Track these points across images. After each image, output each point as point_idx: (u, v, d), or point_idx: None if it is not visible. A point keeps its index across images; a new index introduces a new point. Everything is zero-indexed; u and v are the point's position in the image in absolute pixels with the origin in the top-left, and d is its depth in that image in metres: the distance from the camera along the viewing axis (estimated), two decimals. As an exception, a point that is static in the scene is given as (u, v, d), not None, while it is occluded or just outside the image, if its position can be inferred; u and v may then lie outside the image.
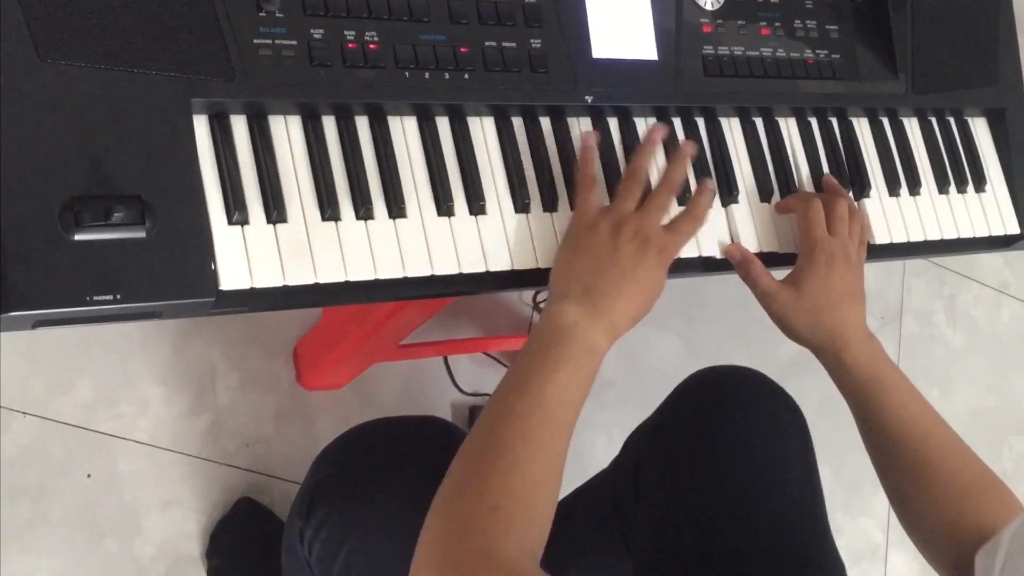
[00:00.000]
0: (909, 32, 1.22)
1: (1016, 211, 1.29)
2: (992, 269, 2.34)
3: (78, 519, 1.40)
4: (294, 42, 0.90)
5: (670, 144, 1.08)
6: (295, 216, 0.89)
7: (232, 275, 0.85)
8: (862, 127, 1.21)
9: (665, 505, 1.11)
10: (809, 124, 1.18)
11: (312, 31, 0.91)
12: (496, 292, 1.68)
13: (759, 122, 1.15)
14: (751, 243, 1.10)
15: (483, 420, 0.88)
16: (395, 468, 1.01)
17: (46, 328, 0.79)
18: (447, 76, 0.96)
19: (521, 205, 0.99)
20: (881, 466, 1.07)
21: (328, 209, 0.90)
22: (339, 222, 0.91)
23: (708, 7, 1.12)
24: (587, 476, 1.33)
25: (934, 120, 1.27)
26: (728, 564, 1.05)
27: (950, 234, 1.24)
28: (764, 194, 1.12)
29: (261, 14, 0.89)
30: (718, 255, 1.08)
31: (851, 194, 1.18)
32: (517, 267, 0.98)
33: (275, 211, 0.88)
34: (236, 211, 0.86)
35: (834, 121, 1.20)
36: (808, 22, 1.17)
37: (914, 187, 1.22)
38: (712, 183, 1.08)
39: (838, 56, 1.18)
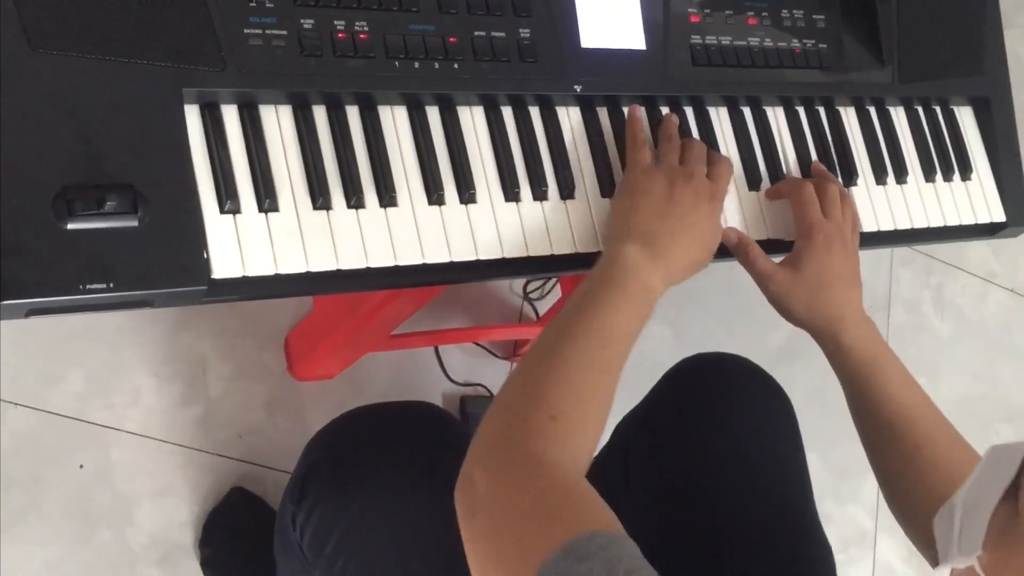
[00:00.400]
0: (895, 21, 1.23)
1: (1001, 199, 1.30)
2: (979, 258, 2.35)
3: (71, 509, 1.40)
4: (284, 32, 0.90)
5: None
6: (286, 205, 0.90)
7: (224, 264, 0.85)
8: (849, 116, 1.22)
9: (654, 491, 1.12)
10: (796, 113, 1.18)
11: (302, 21, 0.91)
12: (486, 280, 1.69)
13: (747, 111, 1.16)
14: (739, 230, 1.11)
15: (544, 338, 0.90)
16: (387, 452, 1.01)
17: (39, 317, 0.79)
18: (437, 66, 0.97)
19: (511, 194, 1.00)
20: (871, 448, 1.07)
21: (319, 198, 0.91)
22: (330, 211, 0.91)
23: (696, -3, 1.13)
24: (577, 464, 1.34)
25: (920, 109, 1.28)
26: (717, 549, 1.06)
27: (937, 222, 1.25)
28: (752, 183, 1.13)
29: (251, 4, 0.89)
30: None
31: (839, 182, 1.18)
32: (507, 255, 0.98)
33: (267, 200, 0.88)
34: (228, 200, 0.87)
35: (821, 110, 1.21)
36: (795, 12, 1.18)
37: (901, 175, 1.23)
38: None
39: (825, 46, 1.19)
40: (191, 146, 0.86)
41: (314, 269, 0.89)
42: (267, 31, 0.90)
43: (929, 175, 1.25)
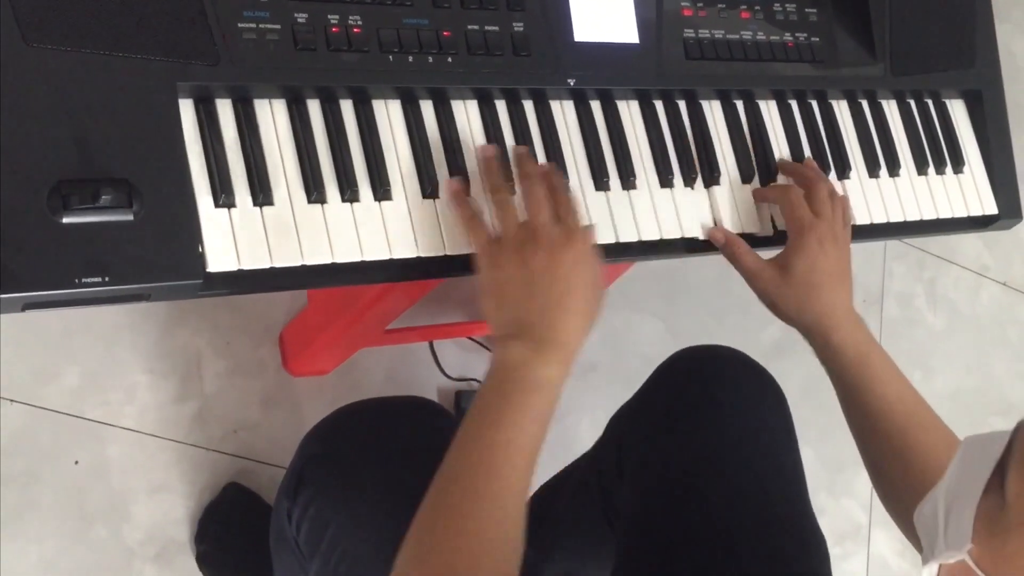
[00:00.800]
0: (887, 15, 1.24)
1: (993, 192, 1.30)
2: (972, 252, 2.36)
3: (67, 505, 1.40)
4: (278, 26, 0.90)
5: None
6: (281, 199, 0.90)
7: (219, 257, 0.85)
8: (841, 109, 1.23)
9: (648, 483, 1.12)
10: (789, 107, 1.19)
11: (296, 15, 0.91)
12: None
13: (740, 105, 1.16)
14: (733, 224, 1.11)
15: (436, 478, 0.86)
16: (382, 447, 1.02)
17: (35, 311, 0.79)
18: (430, 60, 0.97)
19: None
20: (863, 444, 1.08)
21: (314, 192, 0.91)
22: (325, 205, 0.92)
23: (689, -9, 1.13)
24: (571, 459, 1.34)
25: (912, 102, 1.28)
26: (711, 541, 1.06)
27: (929, 215, 1.25)
28: (745, 176, 1.14)
29: (245, -2, 0.89)
30: (700, 236, 1.09)
31: (832, 175, 1.19)
32: (502, 249, 0.98)
33: (261, 194, 0.89)
34: (223, 194, 0.87)
35: (814, 103, 1.21)
36: (787, 5, 1.18)
37: (893, 168, 1.24)
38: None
39: (817, 39, 1.19)
40: (185, 140, 0.86)
41: (309, 263, 0.90)
42: (261, 25, 0.90)
43: (921, 168, 1.26)
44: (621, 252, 1.06)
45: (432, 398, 1.67)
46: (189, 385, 1.51)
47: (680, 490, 1.09)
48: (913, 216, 1.24)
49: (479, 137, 1.00)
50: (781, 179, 1.15)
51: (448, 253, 0.96)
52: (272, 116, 0.92)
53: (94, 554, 1.40)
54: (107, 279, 0.79)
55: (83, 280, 0.78)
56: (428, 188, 0.96)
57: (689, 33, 1.12)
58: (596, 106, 1.08)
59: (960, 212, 1.27)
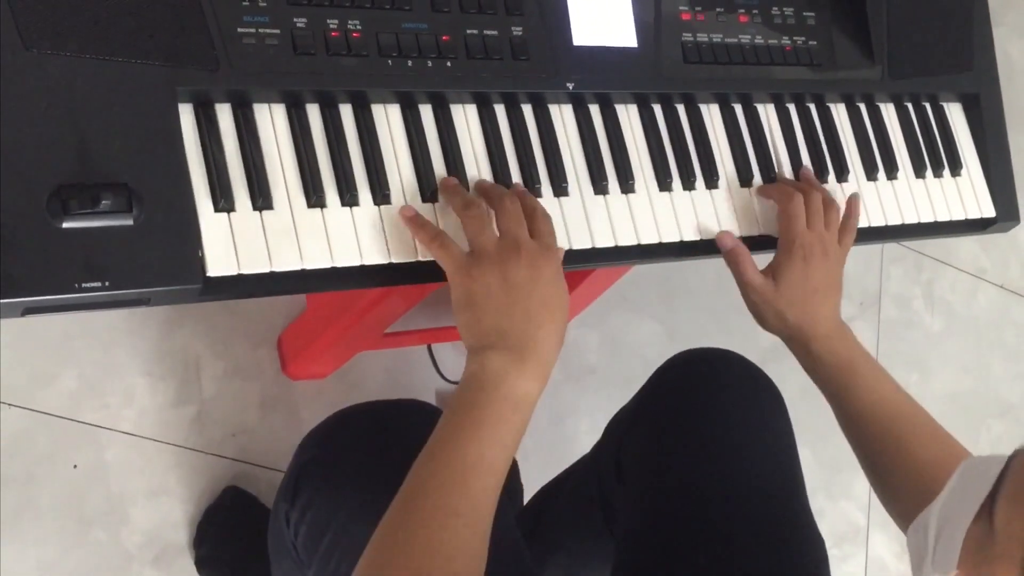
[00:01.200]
0: (885, 18, 1.24)
1: (991, 194, 1.30)
2: (969, 255, 2.36)
3: (65, 509, 1.40)
4: (277, 31, 0.91)
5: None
6: (281, 203, 0.90)
7: (219, 261, 0.86)
8: (839, 113, 1.23)
9: (647, 486, 1.12)
10: (787, 110, 1.19)
11: (295, 20, 0.92)
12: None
13: (738, 108, 1.16)
14: (731, 227, 1.11)
15: (402, 490, 0.86)
16: (380, 451, 1.02)
17: (35, 315, 0.79)
18: (430, 64, 0.97)
19: (504, 191, 1.00)
20: (858, 447, 1.10)
21: (313, 196, 0.91)
22: (324, 209, 0.92)
23: (687, -5, 1.13)
24: (570, 462, 1.34)
25: (910, 105, 1.29)
26: (710, 544, 1.07)
27: (927, 217, 1.25)
28: (744, 180, 1.14)
29: (244, 3, 0.89)
30: (698, 238, 1.09)
31: (831, 178, 1.19)
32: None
33: (261, 198, 0.89)
34: (222, 198, 0.87)
35: (812, 107, 1.21)
36: (785, 9, 1.18)
37: (891, 171, 1.24)
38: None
39: (815, 43, 1.20)
40: (185, 145, 0.86)
41: (308, 267, 0.90)
42: (260, 30, 0.90)
43: (919, 171, 1.26)
44: (620, 256, 1.06)
45: (430, 401, 1.68)
46: (187, 389, 1.50)
47: (679, 493, 1.09)
48: (911, 219, 1.24)
49: (478, 141, 1.01)
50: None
51: (443, 268, 0.96)
52: (272, 120, 0.92)
53: (93, 557, 1.40)
54: (107, 284, 0.79)
55: (83, 285, 0.78)
56: (427, 192, 0.96)
57: (687, 37, 1.12)
58: (595, 110, 1.08)
59: (958, 215, 1.28)
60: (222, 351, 1.54)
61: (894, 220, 1.23)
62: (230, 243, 0.86)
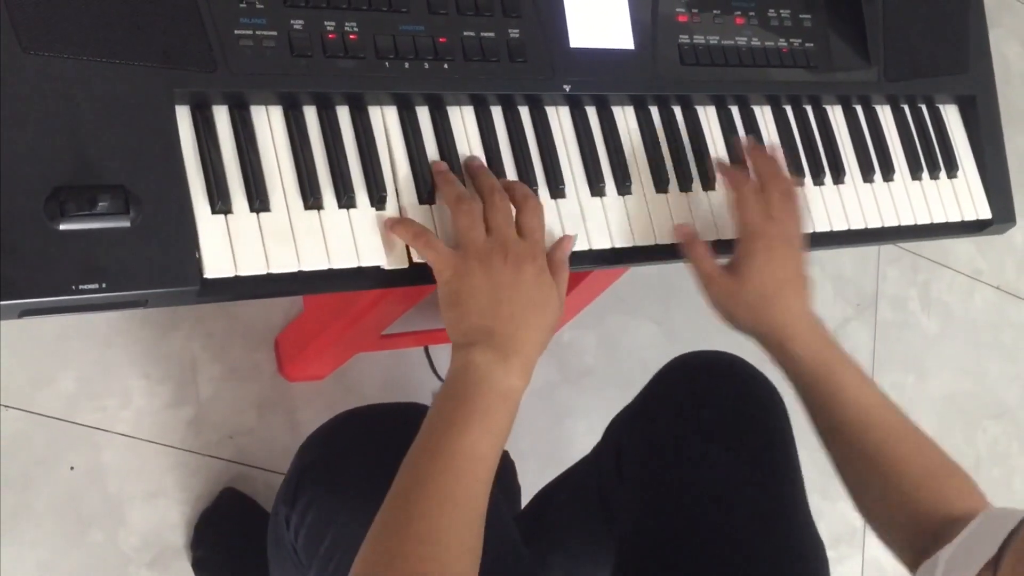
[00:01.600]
0: (881, 20, 1.24)
1: (987, 196, 1.31)
2: (965, 256, 2.36)
3: (63, 510, 1.40)
4: (274, 33, 0.91)
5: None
6: (278, 205, 0.90)
7: (216, 263, 0.86)
8: (836, 114, 1.23)
9: (648, 489, 1.12)
10: (784, 112, 1.19)
11: (292, 22, 0.92)
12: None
13: (735, 110, 1.17)
14: (729, 230, 1.11)
15: (396, 485, 0.87)
16: (379, 454, 1.01)
17: (33, 317, 0.79)
18: (426, 66, 0.97)
19: (501, 193, 1.00)
20: (836, 457, 1.05)
21: (310, 198, 0.91)
22: (321, 211, 0.92)
23: (683, -4, 1.13)
24: (568, 463, 1.34)
25: (906, 107, 1.29)
26: (710, 546, 1.07)
27: (923, 219, 1.26)
28: (740, 181, 1.14)
29: (241, 5, 0.89)
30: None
31: (827, 180, 1.19)
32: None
33: (258, 200, 0.89)
34: (219, 200, 0.87)
35: (808, 109, 1.21)
36: (782, 11, 1.18)
37: (888, 173, 1.24)
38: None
39: (812, 45, 1.20)
40: (182, 146, 0.86)
41: (305, 268, 0.90)
42: (257, 32, 0.90)
43: (916, 173, 1.26)
44: (616, 257, 1.07)
45: (427, 402, 1.68)
46: (185, 390, 1.51)
47: (679, 495, 1.09)
48: (907, 221, 1.24)
49: (475, 143, 1.01)
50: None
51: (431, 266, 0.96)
52: (269, 122, 0.92)
53: (90, 559, 1.40)
54: (104, 285, 0.79)
55: (80, 287, 0.78)
56: (425, 194, 0.96)
57: (684, 39, 1.12)
58: (592, 112, 1.08)
59: (954, 216, 1.28)
60: (219, 353, 1.54)
61: (890, 222, 1.23)
62: (227, 245, 0.86)
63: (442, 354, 1.69)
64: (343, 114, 0.95)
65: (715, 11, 1.14)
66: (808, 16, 1.20)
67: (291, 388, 1.58)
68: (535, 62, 1.02)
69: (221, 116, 0.90)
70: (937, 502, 0.97)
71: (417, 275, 0.96)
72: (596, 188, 1.05)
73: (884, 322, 2.20)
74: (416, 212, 0.95)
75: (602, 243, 1.04)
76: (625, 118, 1.10)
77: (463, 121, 1.01)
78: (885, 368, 2.14)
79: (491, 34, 1.00)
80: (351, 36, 0.94)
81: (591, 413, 1.74)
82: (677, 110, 1.13)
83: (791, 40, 1.18)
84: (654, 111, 1.12)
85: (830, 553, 1.11)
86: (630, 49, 1.09)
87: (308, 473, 1.03)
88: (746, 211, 1.05)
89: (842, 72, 1.22)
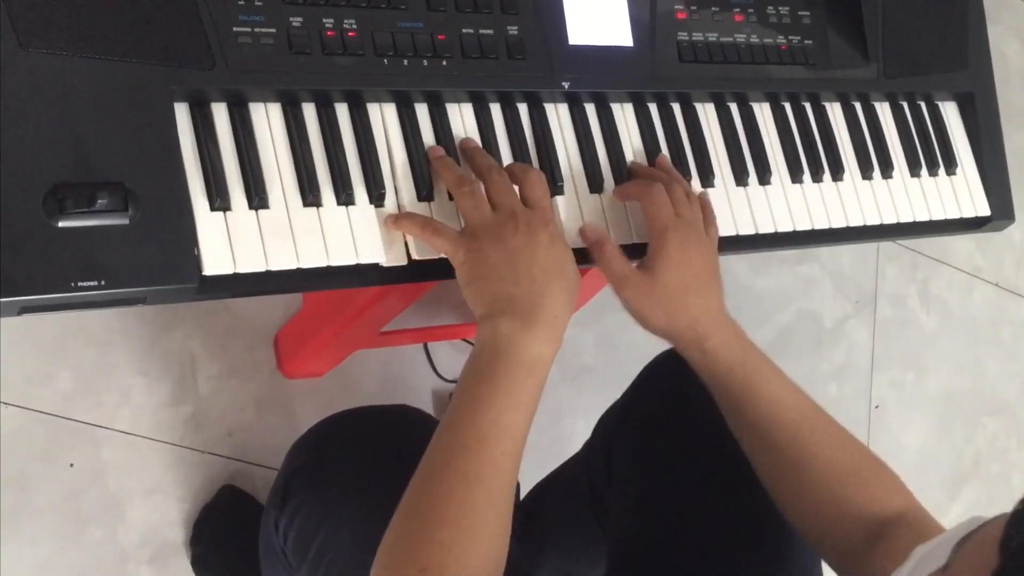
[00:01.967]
0: (880, 17, 1.24)
1: (986, 193, 1.31)
2: (964, 253, 2.37)
3: (62, 508, 1.40)
4: (273, 30, 0.91)
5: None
6: (277, 202, 0.90)
7: (215, 260, 0.86)
8: (835, 112, 1.23)
9: (637, 486, 1.12)
10: (783, 109, 1.19)
11: (291, 19, 0.92)
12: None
13: (734, 107, 1.17)
14: (727, 227, 1.11)
15: (421, 464, 0.86)
16: (368, 457, 1.02)
17: (32, 314, 0.79)
18: (425, 63, 0.97)
19: (500, 190, 1.00)
20: (758, 461, 1.01)
21: (309, 195, 0.91)
22: (320, 208, 0.92)
23: (682, -6, 1.13)
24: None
25: (905, 104, 1.29)
26: (702, 543, 1.07)
27: (922, 216, 1.26)
28: (739, 178, 1.14)
29: (240, 2, 0.90)
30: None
31: (826, 177, 1.19)
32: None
33: (257, 197, 0.89)
34: (218, 197, 0.87)
35: (807, 106, 1.21)
36: (781, 8, 1.19)
37: (886, 170, 1.24)
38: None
39: (810, 42, 1.20)
40: (181, 144, 0.86)
41: (304, 266, 0.90)
42: (256, 29, 0.90)
43: (914, 170, 1.26)
44: (615, 254, 1.06)
45: (426, 399, 1.68)
46: (184, 388, 1.51)
47: (669, 491, 1.09)
48: (906, 218, 1.24)
49: (474, 139, 1.01)
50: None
51: (443, 256, 0.96)
52: (267, 119, 0.92)
53: (89, 557, 1.40)
54: (103, 283, 0.79)
55: (79, 284, 0.78)
56: (424, 191, 0.96)
57: (683, 36, 1.12)
58: (591, 109, 1.08)
59: (953, 213, 1.28)
60: (218, 350, 1.54)
61: (889, 219, 1.23)
62: (226, 242, 0.86)
63: (441, 351, 1.69)
64: (342, 111, 0.95)
65: (714, 8, 1.14)
66: (807, 13, 1.20)
67: (290, 385, 1.58)
68: (534, 59, 1.02)
69: (220, 113, 0.90)
70: (865, 501, 0.95)
71: (416, 272, 0.96)
72: (594, 185, 1.05)
73: (883, 319, 2.20)
74: (415, 209, 0.95)
75: (601, 240, 1.04)
76: (624, 115, 1.10)
77: (462, 118, 1.01)
78: (884, 365, 2.15)
79: (490, 31, 1.00)
80: (350, 33, 0.94)
81: (589, 411, 1.73)
82: (676, 107, 1.13)
83: (790, 37, 1.18)
84: (653, 108, 1.12)
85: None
86: (629, 46, 1.09)
87: (297, 476, 1.02)
88: (656, 211, 1.01)
89: (841, 69, 1.22)
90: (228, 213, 0.88)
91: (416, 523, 0.83)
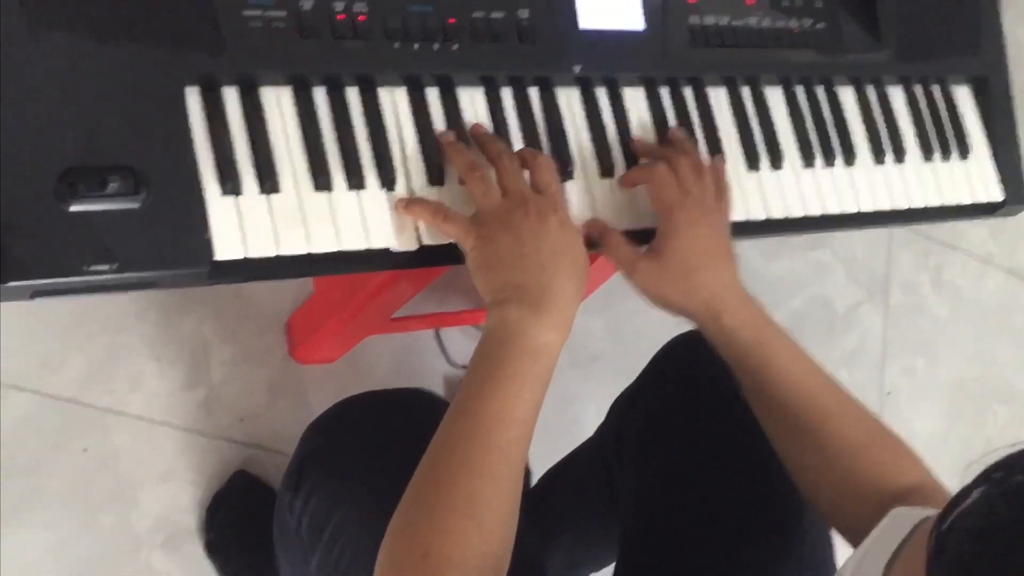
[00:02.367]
0: (893, 1, 1.23)
1: (999, 178, 1.30)
2: (977, 240, 2.35)
3: (74, 493, 1.40)
4: (283, 14, 0.90)
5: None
6: (287, 186, 0.90)
7: (226, 245, 0.86)
8: (847, 96, 1.23)
9: (649, 470, 1.13)
10: (795, 93, 1.19)
11: (301, 3, 0.91)
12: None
13: (746, 92, 1.16)
14: (739, 212, 1.11)
15: (427, 452, 0.86)
16: (381, 440, 1.02)
17: (44, 298, 0.80)
18: (436, 47, 0.97)
19: (511, 175, 1.00)
20: (773, 432, 1.02)
21: (320, 179, 0.91)
22: (331, 192, 0.92)
23: (694, -23, 1.13)
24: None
25: (918, 88, 1.28)
26: (712, 526, 1.07)
27: (935, 202, 1.25)
28: (751, 163, 1.14)
29: (251, -14, 0.89)
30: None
31: (839, 161, 1.19)
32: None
33: (268, 181, 0.89)
34: (229, 181, 0.87)
35: (820, 90, 1.21)
36: (793, -8, 1.18)
37: (899, 155, 1.23)
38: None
39: (823, 25, 1.19)
40: (192, 128, 0.86)
41: (315, 250, 0.90)
42: (266, 13, 0.90)
43: (927, 155, 1.26)
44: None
45: (437, 385, 1.69)
46: (196, 373, 1.51)
47: (680, 480, 1.09)
48: (919, 203, 1.24)
49: (484, 123, 1.01)
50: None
51: (454, 240, 0.96)
52: (278, 103, 0.92)
53: (101, 542, 1.41)
54: (115, 267, 0.80)
55: (91, 268, 0.79)
56: (434, 175, 0.96)
57: (695, 20, 1.11)
58: (602, 93, 1.08)
59: (965, 199, 1.27)
60: (230, 336, 1.54)
61: (902, 204, 1.22)
62: (237, 226, 0.86)
63: (453, 337, 1.69)
64: (353, 95, 0.95)
65: (726, -8, 1.14)
66: (819, -3, 1.19)
67: (302, 371, 1.58)
68: (545, 44, 1.02)
69: (231, 97, 0.90)
70: (880, 474, 0.95)
71: (427, 257, 0.96)
72: (605, 169, 1.05)
73: (895, 306, 2.19)
74: (426, 194, 0.95)
75: (613, 225, 1.04)
76: (635, 100, 1.09)
77: (472, 103, 1.01)
78: (896, 352, 2.14)
79: (500, 15, 1.00)
80: (360, 17, 0.94)
81: (599, 398, 1.73)
82: (688, 92, 1.13)
83: (802, 21, 1.18)
84: (664, 93, 1.11)
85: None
86: (640, 31, 1.08)
87: (311, 459, 1.03)
88: (660, 191, 1.01)
89: (853, 53, 1.21)
90: (239, 197, 0.88)
91: (419, 509, 0.83)
